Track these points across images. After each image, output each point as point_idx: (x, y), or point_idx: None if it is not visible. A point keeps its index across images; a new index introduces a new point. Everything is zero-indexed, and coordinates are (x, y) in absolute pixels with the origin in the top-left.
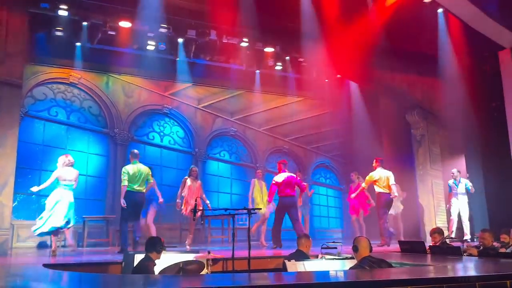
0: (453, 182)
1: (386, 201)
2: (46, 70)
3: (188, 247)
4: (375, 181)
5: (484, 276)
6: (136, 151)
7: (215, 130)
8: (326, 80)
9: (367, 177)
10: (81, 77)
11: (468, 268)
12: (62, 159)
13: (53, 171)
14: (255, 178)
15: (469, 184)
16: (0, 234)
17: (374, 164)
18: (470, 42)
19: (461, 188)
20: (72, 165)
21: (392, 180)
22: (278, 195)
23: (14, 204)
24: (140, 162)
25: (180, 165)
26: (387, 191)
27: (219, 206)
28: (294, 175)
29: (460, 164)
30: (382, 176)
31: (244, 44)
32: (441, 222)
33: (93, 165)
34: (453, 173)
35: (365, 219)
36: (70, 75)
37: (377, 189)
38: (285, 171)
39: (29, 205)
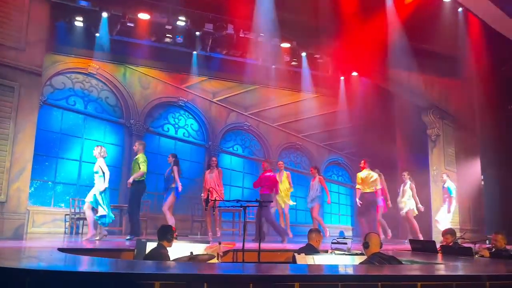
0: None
1: (369, 200)
2: (65, 60)
3: (218, 234)
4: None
5: (496, 275)
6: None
7: (229, 124)
8: (342, 77)
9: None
10: (99, 68)
11: (479, 267)
12: (100, 151)
13: (69, 159)
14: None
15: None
16: (17, 218)
17: (362, 165)
18: (489, 43)
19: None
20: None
21: (378, 184)
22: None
23: (31, 190)
24: (156, 153)
25: (194, 158)
26: (370, 190)
27: (231, 199)
28: (273, 174)
29: (474, 166)
30: (366, 177)
31: (260, 39)
32: (453, 223)
33: (108, 155)
34: (442, 177)
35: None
36: (89, 65)
37: (362, 189)
38: (269, 170)
39: (44, 191)
